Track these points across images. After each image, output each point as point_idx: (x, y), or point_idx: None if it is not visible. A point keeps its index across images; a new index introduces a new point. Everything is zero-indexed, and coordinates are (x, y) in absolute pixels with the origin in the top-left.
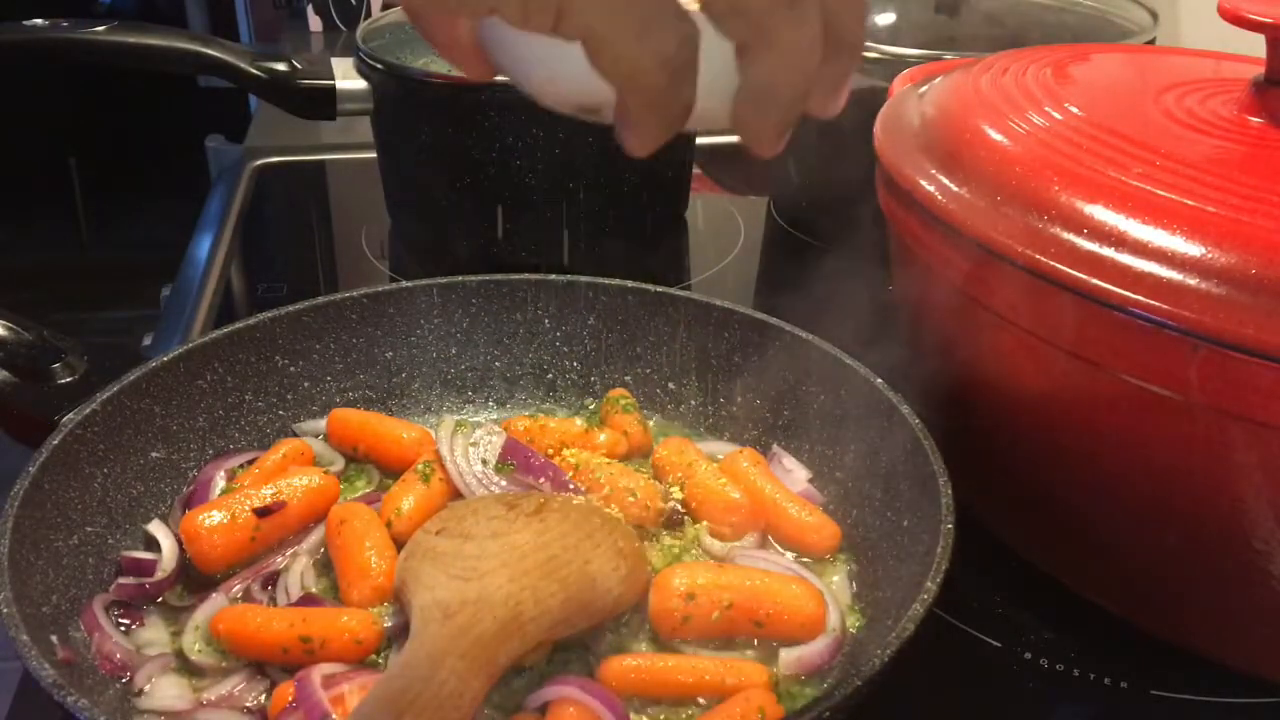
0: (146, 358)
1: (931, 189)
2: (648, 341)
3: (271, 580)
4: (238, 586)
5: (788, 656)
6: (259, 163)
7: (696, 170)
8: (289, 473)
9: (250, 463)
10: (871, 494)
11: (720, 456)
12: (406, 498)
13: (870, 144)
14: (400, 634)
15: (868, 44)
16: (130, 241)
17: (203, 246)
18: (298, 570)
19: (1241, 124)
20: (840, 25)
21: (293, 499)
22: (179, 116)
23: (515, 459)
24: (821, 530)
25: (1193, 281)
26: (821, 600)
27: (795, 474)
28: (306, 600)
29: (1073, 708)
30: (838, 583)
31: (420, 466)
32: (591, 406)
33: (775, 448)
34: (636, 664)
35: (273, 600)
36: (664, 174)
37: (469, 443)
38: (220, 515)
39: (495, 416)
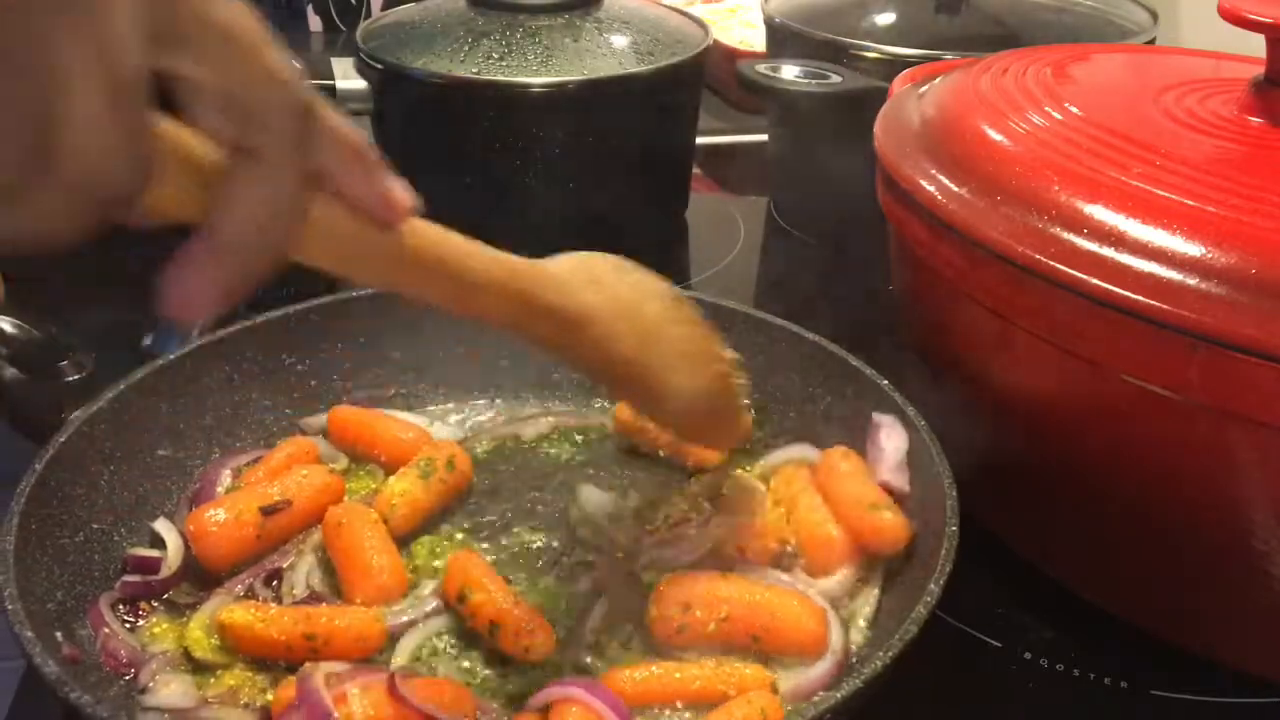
0: (153, 356)
1: (931, 189)
2: None
3: (276, 578)
4: (242, 584)
5: (786, 686)
6: None
7: (696, 170)
8: (294, 471)
9: (256, 461)
10: None
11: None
12: (402, 493)
13: (870, 144)
14: (404, 632)
15: (867, 44)
16: (131, 241)
17: None
18: (302, 568)
19: (1241, 124)
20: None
21: (298, 497)
22: None
23: None
24: (895, 529)
25: (1193, 281)
26: (823, 619)
27: (888, 450)
28: (311, 598)
29: (1073, 708)
30: (866, 600)
31: (421, 462)
32: (598, 406)
33: (876, 416)
34: (640, 675)
35: (277, 598)
36: (664, 174)
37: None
38: (226, 513)
39: (501, 416)
